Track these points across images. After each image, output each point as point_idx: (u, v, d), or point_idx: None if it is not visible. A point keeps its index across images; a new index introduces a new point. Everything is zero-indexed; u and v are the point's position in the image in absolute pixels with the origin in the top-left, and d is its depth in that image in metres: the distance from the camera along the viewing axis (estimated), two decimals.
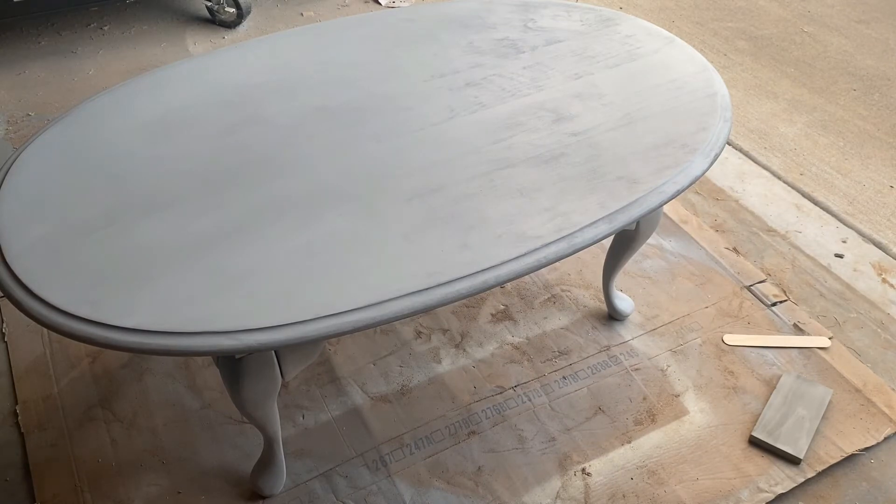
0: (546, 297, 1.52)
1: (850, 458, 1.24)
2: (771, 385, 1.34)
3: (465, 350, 1.41)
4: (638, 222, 1.22)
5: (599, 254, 1.58)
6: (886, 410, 1.31)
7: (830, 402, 1.31)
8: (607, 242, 1.37)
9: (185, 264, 0.89)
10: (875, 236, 1.70)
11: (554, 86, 1.22)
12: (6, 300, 1.07)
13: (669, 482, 1.20)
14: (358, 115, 1.15)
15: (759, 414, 1.29)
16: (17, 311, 1.04)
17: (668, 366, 1.38)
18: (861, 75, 2.31)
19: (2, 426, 1.28)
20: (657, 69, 1.26)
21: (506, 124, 1.14)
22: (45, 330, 1.42)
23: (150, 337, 0.82)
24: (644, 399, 1.32)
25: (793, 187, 1.85)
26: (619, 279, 1.44)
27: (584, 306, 1.49)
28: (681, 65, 1.28)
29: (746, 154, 1.97)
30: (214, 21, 2.56)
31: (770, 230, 1.71)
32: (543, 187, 1.02)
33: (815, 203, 1.80)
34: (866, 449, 1.25)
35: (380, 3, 2.73)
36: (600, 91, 1.21)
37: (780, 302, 1.52)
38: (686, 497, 1.18)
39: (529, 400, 1.32)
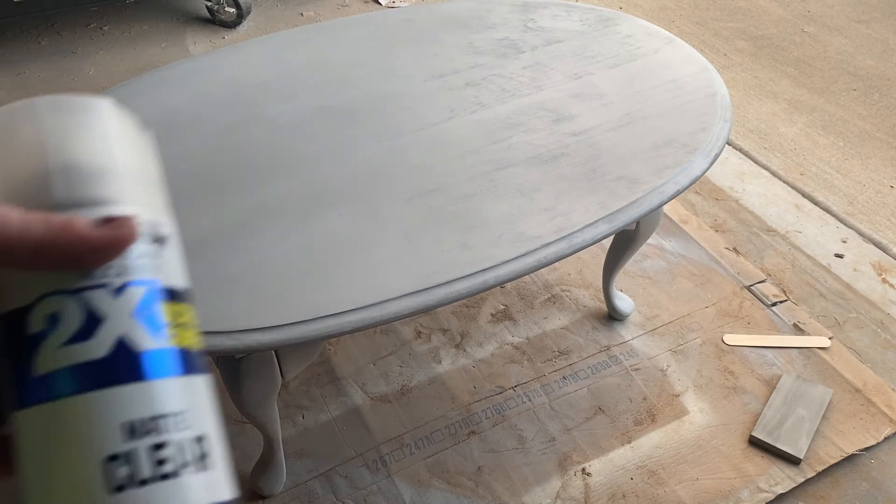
0: (546, 297, 1.52)
1: (850, 458, 1.24)
2: (771, 385, 1.34)
3: (464, 350, 1.41)
4: (638, 222, 1.22)
5: (599, 254, 1.57)
6: (886, 410, 1.31)
7: (830, 402, 1.31)
8: (607, 242, 1.37)
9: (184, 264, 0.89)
10: (875, 236, 1.70)
11: (554, 86, 1.22)
12: None
13: (669, 482, 1.20)
14: (357, 114, 1.15)
15: (759, 414, 1.29)
16: None
17: (668, 366, 1.38)
18: (861, 75, 2.31)
19: None
20: (657, 69, 1.26)
21: (506, 124, 1.14)
22: None
23: None
24: (644, 399, 1.32)
25: (793, 187, 1.85)
26: (619, 279, 1.44)
27: (584, 306, 1.50)
28: (681, 65, 1.28)
29: (746, 154, 1.97)
30: (214, 21, 2.56)
31: (770, 230, 1.71)
32: (543, 187, 1.02)
33: (815, 203, 1.80)
34: (866, 449, 1.25)
35: (380, 3, 2.73)
36: (600, 91, 1.21)
37: (780, 302, 1.52)
38: (686, 497, 1.18)
39: (529, 400, 1.32)
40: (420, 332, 1.44)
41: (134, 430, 0.26)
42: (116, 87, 1.22)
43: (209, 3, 2.53)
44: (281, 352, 0.98)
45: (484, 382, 1.35)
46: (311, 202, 0.99)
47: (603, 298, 1.47)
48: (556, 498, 1.18)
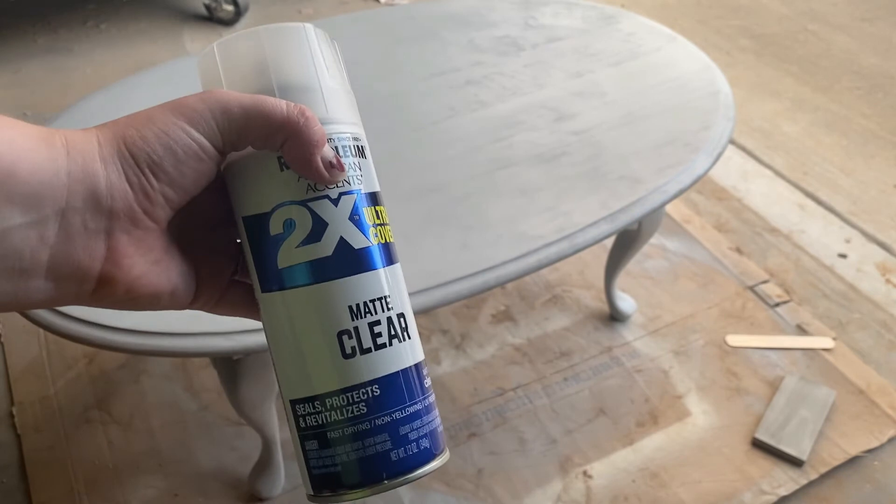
0: (547, 298, 1.50)
1: (853, 460, 1.23)
2: (774, 386, 1.33)
3: (465, 351, 1.39)
4: (640, 222, 1.21)
5: (601, 254, 1.56)
6: (890, 412, 1.29)
7: (834, 403, 1.30)
8: (609, 242, 1.36)
9: None
10: (878, 236, 1.69)
11: (555, 84, 1.21)
12: None
13: (671, 484, 1.19)
14: None
15: (762, 416, 1.28)
16: (14, 312, 1.03)
17: (671, 367, 1.37)
18: (865, 74, 2.29)
19: None
20: (659, 67, 1.25)
21: (506, 123, 1.12)
22: (41, 331, 1.41)
23: (147, 338, 0.81)
24: (646, 401, 1.31)
25: (796, 186, 1.84)
26: (621, 279, 1.42)
27: (586, 307, 1.48)
28: (683, 63, 1.26)
29: (749, 153, 1.96)
30: (212, 19, 2.54)
31: (773, 230, 1.70)
32: (544, 187, 1.01)
33: (819, 203, 1.79)
34: (870, 451, 1.24)
35: (379, 1, 2.72)
36: (602, 89, 1.20)
37: (784, 303, 1.50)
38: (688, 500, 1.17)
39: (530, 401, 1.31)
40: (419, 332, 1.43)
41: (357, 311, 0.33)
42: (113, 85, 1.20)
43: (207, 1, 2.52)
44: None
45: (484, 384, 1.33)
46: None
47: (605, 299, 1.46)
48: (557, 500, 1.17)
